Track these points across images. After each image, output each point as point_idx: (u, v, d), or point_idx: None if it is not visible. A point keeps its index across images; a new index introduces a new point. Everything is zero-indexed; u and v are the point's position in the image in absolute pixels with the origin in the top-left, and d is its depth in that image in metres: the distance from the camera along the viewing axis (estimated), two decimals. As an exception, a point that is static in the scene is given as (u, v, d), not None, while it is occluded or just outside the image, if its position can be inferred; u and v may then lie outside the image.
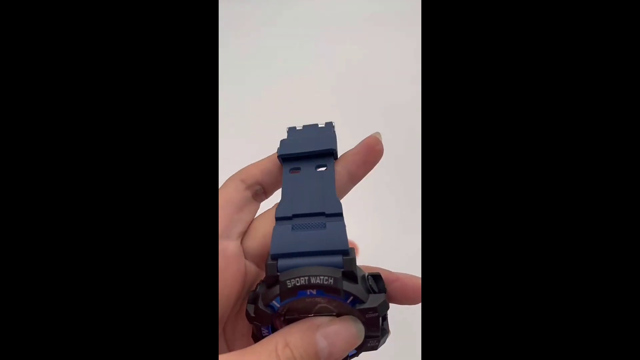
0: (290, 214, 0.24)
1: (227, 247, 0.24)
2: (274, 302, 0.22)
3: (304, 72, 0.73)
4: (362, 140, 0.25)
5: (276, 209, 0.24)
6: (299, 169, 0.26)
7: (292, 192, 0.25)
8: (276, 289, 0.22)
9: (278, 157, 0.26)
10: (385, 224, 0.54)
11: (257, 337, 0.23)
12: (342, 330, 0.21)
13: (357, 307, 0.22)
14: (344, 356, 0.22)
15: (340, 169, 0.25)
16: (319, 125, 0.27)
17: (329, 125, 0.27)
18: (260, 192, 0.26)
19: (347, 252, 0.22)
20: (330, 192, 0.24)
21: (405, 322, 0.23)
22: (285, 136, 0.27)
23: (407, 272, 0.24)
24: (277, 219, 0.24)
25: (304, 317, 0.22)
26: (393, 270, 0.24)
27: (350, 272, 0.21)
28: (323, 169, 0.25)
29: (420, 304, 0.23)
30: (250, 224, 0.26)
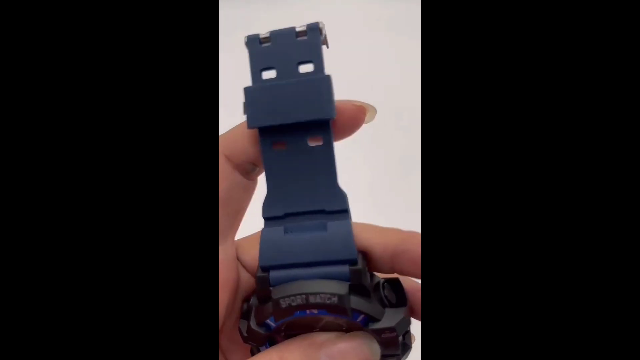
0: (281, 213, 0.19)
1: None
2: (268, 320, 0.18)
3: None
4: (342, 106, 0.18)
5: (262, 204, 0.19)
6: (283, 143, 0.18)
7: (280, 180, 0.18)
8: (269, 307, 0.18)
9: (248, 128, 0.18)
10: (385, 224, 0.54)
11: (253, 352, 0.20)
12: (351, 351, 0.17)
13: (371, 327, 0.18)
14: None
15: None
16: (297, 32, 0.17)
17: (314, 36, 0.17)
18: (253, 169, 0.20)
19: (355, 261, 0.18)
20: (331, 180, 0.18)
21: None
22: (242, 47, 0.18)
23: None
24: (265, 219, 0.19)
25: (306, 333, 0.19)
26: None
27: (359, 285, 0.17)
28: (318, 143, 0.18)
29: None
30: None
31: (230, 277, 0.20)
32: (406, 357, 0.20)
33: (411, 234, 0.19)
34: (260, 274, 0.18)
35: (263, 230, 0.19)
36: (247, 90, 0.18)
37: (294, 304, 0.17)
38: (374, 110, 0.18)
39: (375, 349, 0.18)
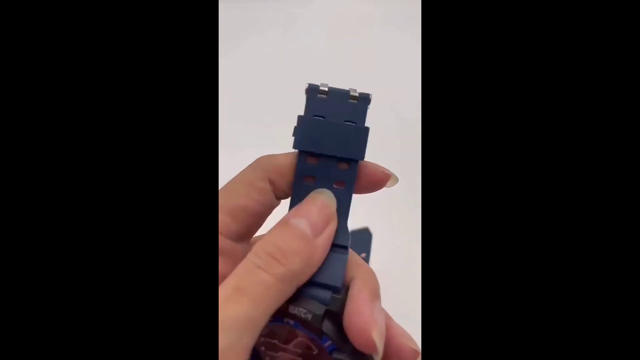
0: None
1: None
2: None
3: (304, 72, 0.73)
4: (374, 169, 0.21)
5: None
6: (313, 177, 0.22)
7: None
8: None
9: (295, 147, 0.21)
10: (385, 225, 0.54)
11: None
12: (310, 203, 0.20)
13: (334, 356, 0.19)
14: (328, 223, 0.19)
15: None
16: (351, 96, 0.21)
17: (364, 104, 0.21)
18: (286, 196, 0.22)
19: (338, 290, 0.20)
20: (343, 220, 0.21)
21: (406, 322, 0.22)
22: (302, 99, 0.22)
23: (407, 329, 0.21)
24: None
25: (281, 347, 0.20)
26: (392, 316, 0.21)
27: (335, 312, 0.19)
28: (341, 187, 0.21)
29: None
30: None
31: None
32: None
33: (362, 271, 0.21)
34: None
35: None
36: (300, 117, 0.21)
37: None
38: (396, 179, 0.22)
39: (328, 194, 0.20)
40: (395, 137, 0.61)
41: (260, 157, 0.22)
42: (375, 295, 0.20)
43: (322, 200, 0.20)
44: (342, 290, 0.20)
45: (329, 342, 0.19)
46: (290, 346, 0.21)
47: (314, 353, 0.20)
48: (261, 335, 0.20)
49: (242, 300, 0.17)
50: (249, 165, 0.22)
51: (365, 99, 0.21)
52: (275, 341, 0.21)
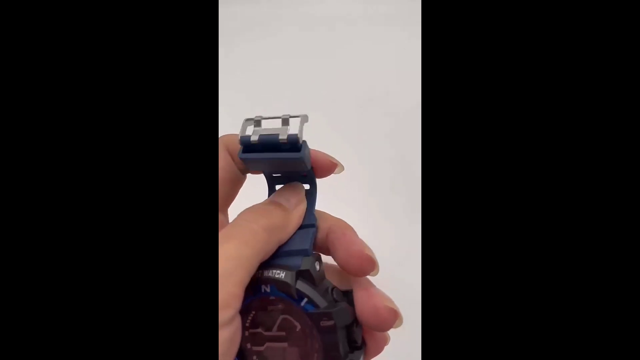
0: None
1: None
2: None
3: (304, 72, 0.73)
4: (322, 158, 0.24)
5: None
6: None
7: None
8: None
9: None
10: (385, 224, 0.54)
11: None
12: (286, 189, 0.24)
13: (309, 312, 0.21)
14: (299, 204, 0.23)
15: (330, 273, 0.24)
16: (280, 141, 0.22)
17: (294, 145, 0.22)
18: (246, 170, 0.26)
19: (307, 253, 0.22)
20: (311, 206, 0.24)
21: (405, 320, 0.22)
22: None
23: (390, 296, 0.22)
24: None
25: (266, 336, 0.22)
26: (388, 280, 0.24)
27: (306, 271, 0.21)
28: (307, 188, 0.25)
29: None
30: None
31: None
32: (360, 358, 0.21)
33: (337, 219, 0.24)
34: None
35: None
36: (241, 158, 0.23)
37: (253, 277, 0.20)
38: (342, 168, 0.25)
39: (301, 186, 0.25)
40: (395, 135, 0.61)
41: (222, 135, 0.25)
42: (354, 230, 0.24)
43: (293, 187, 0.24)
44: (311, 253, 0.22)
45: (305, 301, 0.20)
46: (274, 330, 0.21)
47: (297, 330, 0.21)
48: (245, 329, 0.22)
49: (234, 242, 0.20)
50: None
51: (293, 142, 0.22)
52: (260, 330, 0.22)
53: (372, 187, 0.53)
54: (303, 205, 0.24)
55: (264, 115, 0.22)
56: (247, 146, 0.22)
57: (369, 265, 0.22)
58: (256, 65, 0.75)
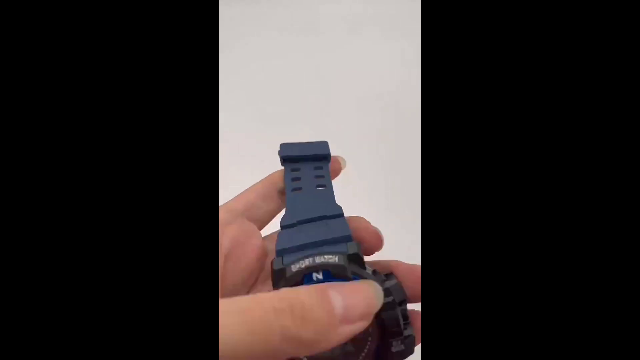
0: (294, 221, 0.24)
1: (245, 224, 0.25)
2: None
3: (304, 73, 0.73)
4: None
5: (281, 218, 0.24)
6: (299, 169, 0.27)
7: (295, 205, 0.25)
8: (280, 277, 0.20)
9: (281, 157, 0.27)
10: (385, 223, 0.54)
11: None
12: (359, 288, 0.18)
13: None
14: (361, 319, 0.18)
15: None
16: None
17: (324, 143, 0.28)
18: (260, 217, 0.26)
19: (351, 239, 0.22)
20: (331, 200, 0.25)
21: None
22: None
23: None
24: (282, 227, 0.24)
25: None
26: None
27: (355, 254, 0.21)
28: (322, 188, 0.26)
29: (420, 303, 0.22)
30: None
31: (261, 245, 0.25)
32: (412, 346, 0.21)
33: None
34: (275, 258, 0.22)
35: (279, 232, 0.24)
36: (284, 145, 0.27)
37: (302, 265, 0.20)
38: (344, 162, 0.27)
39: (380, 292, 0.19)
40: (395, 136, 0.61)
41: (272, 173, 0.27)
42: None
43: (370, 293, 0.19)
44: (353, 239, 0.22)
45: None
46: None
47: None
48: None
49: (239, 322, 0.16)
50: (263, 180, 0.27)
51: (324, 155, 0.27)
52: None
53: (372, 186, 0.53)
54: (363, 324, 0.18)
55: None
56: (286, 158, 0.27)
57: (379, 241, 0.24)
58: (256, 65, 0.75)
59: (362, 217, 0.25)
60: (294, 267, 0.20)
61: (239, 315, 0.16)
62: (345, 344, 0.21)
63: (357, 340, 0.21)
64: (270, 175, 0.27)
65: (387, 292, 0.20)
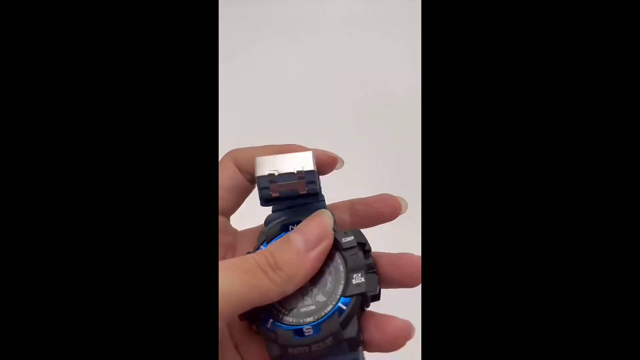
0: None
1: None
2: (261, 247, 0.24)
3: (304, 73, 0.73)
4: (383, 197, 0.26)
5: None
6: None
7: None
8: (263, 236, 0.24)
9: (260, 197, 0.25)
10: (385, 223, 0.54)
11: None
12: (310, 220, 0.23)
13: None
14: (320, 242, 0.22)
15: (343, 214, 0.26)
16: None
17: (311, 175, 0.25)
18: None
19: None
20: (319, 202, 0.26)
21: (405, 319, 0.22)
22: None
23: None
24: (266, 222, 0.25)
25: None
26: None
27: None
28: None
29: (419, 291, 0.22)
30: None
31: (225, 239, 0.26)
32: (373, 276, 0.22)
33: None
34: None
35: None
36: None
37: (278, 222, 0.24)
38: (342, 162, 0.26)
39: (328, 213, 0.24)
40: (395, 136, 0.61)
41: (231, 150, 0.26)
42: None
43: (319, 217, 0.23)
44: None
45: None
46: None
47: None
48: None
49: (234, 275, 0.20)
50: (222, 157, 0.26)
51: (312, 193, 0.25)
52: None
53: (372, 186, 0.53)
54: (326, 242, 0.23)
55: (277, 171, 0.24)
56: (268, 200, 0.25)
57: (398, 205, 0.26)
58: (256, 65, 0.75)
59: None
60: (273, 225, 0.24)
61: (232, 271, 0.20)
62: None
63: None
64: (230, 159, 0.26)
65: (346, 234, 0.23)
